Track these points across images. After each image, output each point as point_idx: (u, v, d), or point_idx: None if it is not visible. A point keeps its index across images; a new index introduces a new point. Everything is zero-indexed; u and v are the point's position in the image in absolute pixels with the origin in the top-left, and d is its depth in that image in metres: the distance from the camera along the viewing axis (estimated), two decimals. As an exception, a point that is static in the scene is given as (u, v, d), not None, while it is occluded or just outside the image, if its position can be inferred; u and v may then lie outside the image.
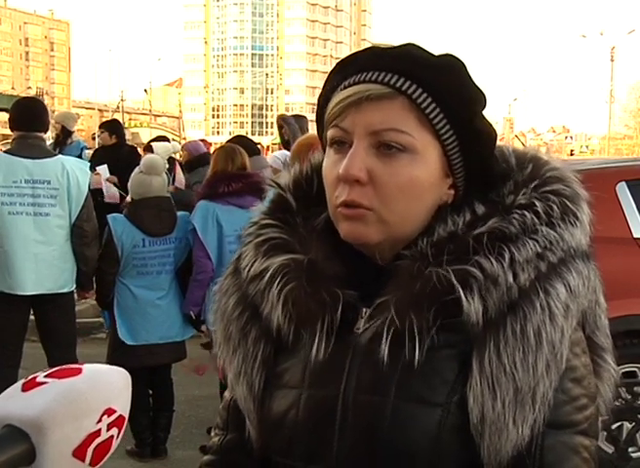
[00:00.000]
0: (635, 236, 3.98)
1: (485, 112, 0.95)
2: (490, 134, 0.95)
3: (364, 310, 0.93)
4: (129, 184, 4.19)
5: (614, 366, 0.99)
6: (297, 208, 1.02)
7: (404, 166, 0.91)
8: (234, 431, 1.07)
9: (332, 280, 0.94)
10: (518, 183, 0.94)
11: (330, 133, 0.95)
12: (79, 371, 0.68)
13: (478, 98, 0.94)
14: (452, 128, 0.92)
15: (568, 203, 0.93)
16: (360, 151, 0.91)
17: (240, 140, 5.25)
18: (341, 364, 0.93)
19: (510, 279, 0.86)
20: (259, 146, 6.08)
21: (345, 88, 0.94)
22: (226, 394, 1.10)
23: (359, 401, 0.90)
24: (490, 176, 0.95)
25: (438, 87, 0.91)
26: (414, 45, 0.94)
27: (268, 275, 0.96)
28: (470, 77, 0.94)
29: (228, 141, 5.19)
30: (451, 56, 0.94)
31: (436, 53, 0.94)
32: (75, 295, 4.27)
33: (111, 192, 6.81)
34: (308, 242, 0.98)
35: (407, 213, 0.92)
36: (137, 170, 4.16)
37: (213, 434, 1.11)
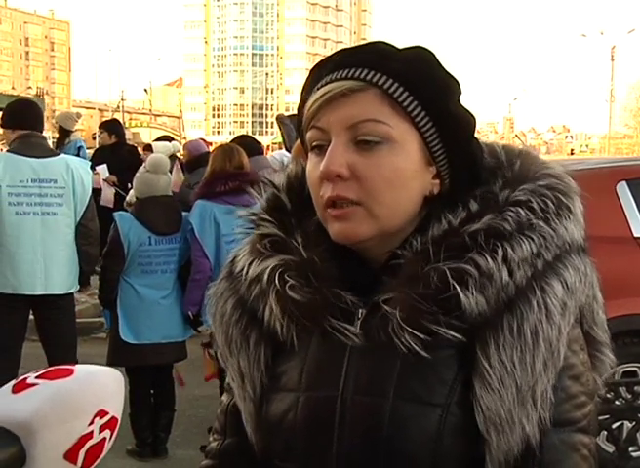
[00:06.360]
0: (636, 235, 3.98)
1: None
2: (467, 118, 0.94)
3: (360, 311, 0.92)
4: (133, 183, 4.17)
5: (612, 358, 0.99)
6: (291, 209, 1.01)
7: (385, 157, 0.90)
8: (233, 435, 1.06)
9: (330, 281, 0.93)
10: (509, 179, 0.94)
11: (309, 135, 0.95)
12: (70, 373, 0.67)
13: (451, 84, 0.94)
14: (427, 114, 0.92)
15: (561, 197, 0.92)
16: (339, 147, 0.90)
17: (243, 140, 5.24)
18: (339, 365, 0.92)
19: (506, 276, 0.86)
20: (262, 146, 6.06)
21: (319, 89, 0.94)
22: (224, 398, 1.09)
23: (358, 402, 0.90)
24: (475, 167, 0.94)
25: (408, 76, 0.91)
26: (382, 42, 0.95)
27: (266, 277, 0.95)
28: (441, 65, 0.94)
29: (232, 141, 5.18)
30: (419, 47, 0.95)
31: (411, 47, 0.95)
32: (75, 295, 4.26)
33: (107, 195, 6.81)
34: (303, 243, 0.96)
35: (395, 204, 0.91)
36: (142, 169, 4.15)
37: (211, 438, 1.10)
